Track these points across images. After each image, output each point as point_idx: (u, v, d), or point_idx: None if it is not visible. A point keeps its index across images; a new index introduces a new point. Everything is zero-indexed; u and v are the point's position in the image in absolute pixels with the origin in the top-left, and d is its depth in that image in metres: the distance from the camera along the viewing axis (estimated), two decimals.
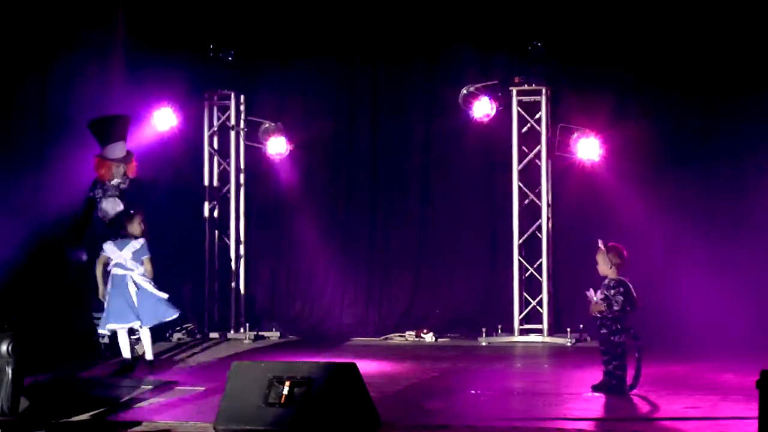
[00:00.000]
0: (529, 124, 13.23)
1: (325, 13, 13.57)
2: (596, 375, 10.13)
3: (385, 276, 13.85)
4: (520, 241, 13.10)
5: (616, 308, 8.80)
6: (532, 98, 13.19)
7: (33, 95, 12.57)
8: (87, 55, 12.88)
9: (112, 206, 10.86)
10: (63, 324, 10.79)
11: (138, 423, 7.50)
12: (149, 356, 10.38)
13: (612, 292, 8.84)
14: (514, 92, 13.17)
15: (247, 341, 13.23)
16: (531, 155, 13.23)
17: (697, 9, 12.71)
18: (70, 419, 7.66)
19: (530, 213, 13.20)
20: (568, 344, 12.59)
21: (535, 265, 13.09)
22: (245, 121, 14.04)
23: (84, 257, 10.92)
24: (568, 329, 12.72)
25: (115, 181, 11.05)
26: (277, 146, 13.68)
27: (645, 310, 13.05)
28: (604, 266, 8.96)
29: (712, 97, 12.86)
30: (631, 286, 8.89)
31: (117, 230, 10.49)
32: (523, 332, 13.01)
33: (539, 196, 13.14)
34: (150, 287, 10.31)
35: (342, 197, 14.09)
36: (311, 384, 6.33)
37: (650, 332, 12.95)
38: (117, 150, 11.11)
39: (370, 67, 13.86)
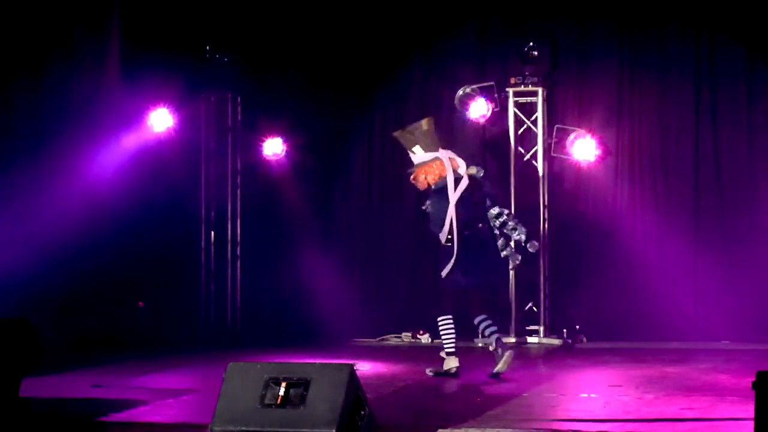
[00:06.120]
0: (525, 125, 13.24)
1: (323, 13, 13.58)
2: (593, 376, 10.15)
3: (382, 277, 13.84)
4: None
5: None
6: (529, 99, 13.19)
7: (27, 97, 12.56)
8: (82, 55, 12.87)
9: None
10: None
11: (133, 424, 7.49)
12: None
13: None
14: (511, 93, 13.17)
15: None
16: (527, 156, 13.24)
17: (691, 9, 12.78)
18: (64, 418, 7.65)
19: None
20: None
21: (531, 266, 13.09)
22: (241, 121, 14.07)
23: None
24: (564, 330, 12.73)
25: None
26: (273, 147, 13.75)
27: (637, 306, 13.16)
28: None
29: (707, 98, 12.91)
30: None
31: None
32: (519, 333, 13.01)
33: (536, 198, 13.14)
34: None
35: (337, 198, 14.10)
36: (307, 385, 6.33)
37: (644, 327, 13.04)
38: None
39: (367, 68, 13.87)
